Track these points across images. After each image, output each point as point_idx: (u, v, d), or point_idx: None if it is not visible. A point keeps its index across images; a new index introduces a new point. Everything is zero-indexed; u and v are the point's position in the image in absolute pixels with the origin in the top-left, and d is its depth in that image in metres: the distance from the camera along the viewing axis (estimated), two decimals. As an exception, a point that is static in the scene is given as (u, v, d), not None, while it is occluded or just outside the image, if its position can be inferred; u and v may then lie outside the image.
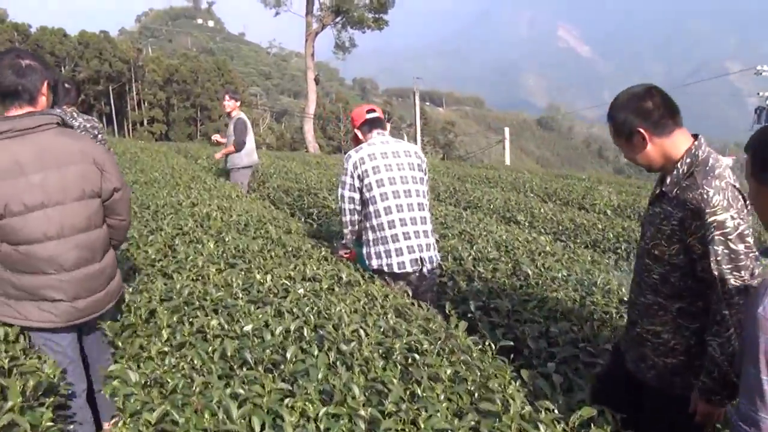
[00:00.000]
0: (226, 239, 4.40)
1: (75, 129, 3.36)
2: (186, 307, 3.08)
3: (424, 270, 3.98)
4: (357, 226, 4.14)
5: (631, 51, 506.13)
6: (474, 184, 11.08)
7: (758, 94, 24.82)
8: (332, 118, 69.08)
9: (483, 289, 4.07)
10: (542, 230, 6.64)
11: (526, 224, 6.88)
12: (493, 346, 2.69)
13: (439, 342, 2.70)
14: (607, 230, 6.36)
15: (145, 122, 65.59)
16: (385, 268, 3.99)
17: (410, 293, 3.88)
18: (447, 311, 3.78)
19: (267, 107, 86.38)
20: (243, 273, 3.64)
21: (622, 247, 5.85)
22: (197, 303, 3.14)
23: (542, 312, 3.70)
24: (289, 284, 3.45)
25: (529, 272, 4.26)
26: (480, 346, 2.77)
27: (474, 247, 4.85)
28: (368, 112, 4.27)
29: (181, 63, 70.19)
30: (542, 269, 4.39)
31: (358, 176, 4.00)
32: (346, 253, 4.44)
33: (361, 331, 2.72)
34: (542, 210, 7.36)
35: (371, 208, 4.00)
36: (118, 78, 64.35)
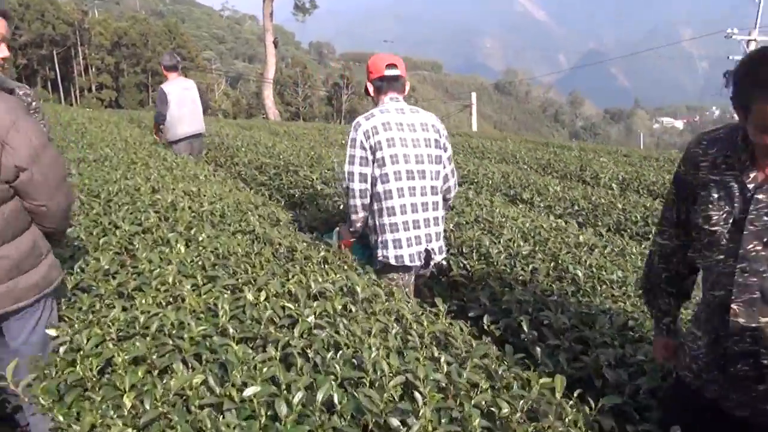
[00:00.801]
0: (200, 238, 3.48)
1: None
2: (155, 353, 2.18)
3: (431, 263, 3.53)
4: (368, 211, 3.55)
5: (585, 15, 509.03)
6: (463, 156, 10.24)
7: (728, 57, 24.52)
8: (290, 83, 67.20)
9: (527, 297, 3.27)
10: (556, 211, 5.86)
11: (540, 205, 6.08)
12: (561, 380, 1.92)
13: (521, 402, 1.89)
14: (630, 211, 5.62)
15: (93, 88, 62.63)
16: (393, 261, 3.48)
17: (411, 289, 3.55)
18: (486, 326, 3.03)
19: (221, 72, 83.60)
20: (229, 291, 2.75)
21: (653, 232, 5.10)
22: (170, 344, 2.24)
23: (611, 330, 2.92)
24: (292, 307, 2.57)
25: (579, 274, 3.47)
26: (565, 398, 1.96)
27: (501, 240, 4.03)
28: (388, 67, 3.55)
29: (130, 26, 66.87)
30: (592, 269, 3.60)
31: (370, 148, 3.40)
32: (352, 239, 3.78)
33: (416, 394, 1.88)
34: (549, 187, 6.57)
35: (381, 188, 3.44)
36: (62, 42, 61.02)
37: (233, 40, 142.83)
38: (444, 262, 3.83)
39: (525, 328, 2.93)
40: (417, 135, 3.49)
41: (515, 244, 3.98)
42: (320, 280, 2.97)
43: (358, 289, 2.89)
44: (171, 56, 7.70)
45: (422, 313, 2.89)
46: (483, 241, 3.96)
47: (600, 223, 5.47)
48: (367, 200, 3.47)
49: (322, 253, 3.45)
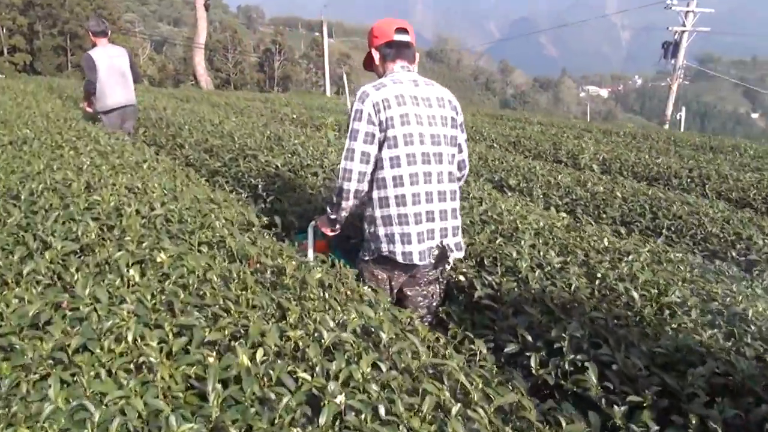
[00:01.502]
0: (159, 258, 2.66)
1: None
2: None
3: (449, 261, 3.05)
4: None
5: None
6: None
7: (668, 28, 24.58)
8: (219, 48, 64.63)
9: (578, 329, 2.62)
10: (552, 201, 5.26)
11: (532, 193, 5.46)
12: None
13: None
14: (630, 200, 5.08)
15: (5, 51, 58.27)
16: (399, 258, 2.94)
17: (392, 288, 3.10)
18: (534, 369, 2.46)
19: (145, 36, 79.58)
20: (215, 352, 1.97)
21: (663, 225, 4.57)
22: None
23: (701, 377, 2.32)
24: (307, 378, 1.83)
25: (635, 296, 2.85)
26: None
27: (522, 246, 3.37)
28: (398, 31, 3.04)
29: (44, -16, 62.31)
30: (647, 288, 2.98)
31: (380, 124, 2.85)
32: (331, 234, 3.30)
33: None
34: (534, 171, 5.97)
35: (388, 173, 2.89)
36: (-33, 0, 56.35)
37: (157, 1, 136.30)
38: (462, 277, 3.17)
39: (593, 377, 2.30)
40: (433, 111, 2.94)
41: (540, 252, 3.34)
42: (330, 322, 2.24)
43: (383, 335, 2.19)
44: (98, 21, 6.77)
45: (468, 362, 2.23)
46: (504, 249, 3.29)
47: (604, 215, 4.91)
48: (365, 186, 2.92)
49: (318, 275, 2.70)
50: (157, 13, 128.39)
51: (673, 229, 4.47)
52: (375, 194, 2.93)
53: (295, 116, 11.33)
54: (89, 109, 7.14)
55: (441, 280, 3.14)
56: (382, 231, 2.94)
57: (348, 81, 22.31)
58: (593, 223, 4.35)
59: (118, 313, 2.13)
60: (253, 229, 3.43)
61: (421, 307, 3.15)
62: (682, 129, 20.48)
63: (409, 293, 3.14)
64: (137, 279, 2.47)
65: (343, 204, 2.95)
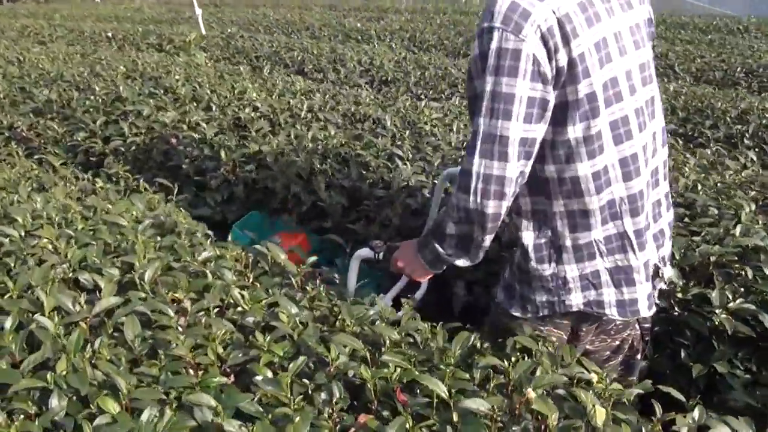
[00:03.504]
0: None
1: None
2: None
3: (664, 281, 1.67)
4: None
5: None
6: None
7: None
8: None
9: None
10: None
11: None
12: None
13: None
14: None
15: None
16: (612, 311, 1.54)
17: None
18: None
19: None
20: None
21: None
22: None
23: None
24: None
25: None
26: None
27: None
28: None
29: None
30: None
31: (557, 74, 1.34)
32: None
33: None
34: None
35: (584, 169, 1.43)
36: None
37: None
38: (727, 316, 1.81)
39: None
40: (634, 14, 1.47)
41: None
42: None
43: None
44: None
45: None
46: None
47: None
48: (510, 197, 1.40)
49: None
50: None
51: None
52: (554, 207, 1.45)
53: (110, 35, 8.87)
54: None
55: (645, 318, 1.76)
56: (572, 271, 1.50)
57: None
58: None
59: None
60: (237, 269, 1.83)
61: (610, 369, 1.75)
62: None
63: (589, 348, 1.73)
64: None
65: (483, 239, 1.43)
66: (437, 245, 1.51)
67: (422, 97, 4.90)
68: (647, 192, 1.51)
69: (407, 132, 3.05)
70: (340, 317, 1.54)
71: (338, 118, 3.38)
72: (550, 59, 1.30)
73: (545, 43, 1.29)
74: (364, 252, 1.90)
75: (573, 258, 1.48)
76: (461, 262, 1.51)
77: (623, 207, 1.45)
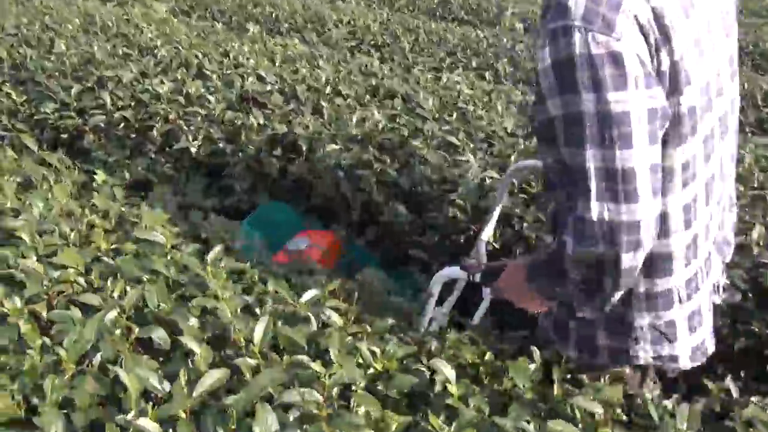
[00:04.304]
0: None
1: None
2: None
3: None
4: None
5: None
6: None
7: None
8: None
9: None
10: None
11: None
12: None
13: None
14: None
15: None
16: (685, 362, 1.25)
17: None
18: None
19: None
20: None
21: None
22: None
23: None
24: None
25: None
26: None
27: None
28: None
29: None
30: None
31: (658, 75, 0.99)
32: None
33: None
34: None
35: (676, 200, 1.10)
36: None
37: None
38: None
39: None
40: (720, 6, 1.15)
41: None
42: None
43: None
44: None
45: None
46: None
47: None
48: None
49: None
50: None
51: None
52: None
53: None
54: None
55: None
56: (642, 319, 1.22)
57: None
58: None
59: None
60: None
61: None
62: None
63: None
64: None
65: (613, 295, 1.10)
66: (553, 286, 1.18)
67: (420, 65, 4.48)
68: (711, 226, 1.23)
69: (454, 114, 2.64)
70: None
71: (364, 94, 2.91)
72: (651, 60, 0.97)
73: (646, 38, 0.96)
74: (454, 272, 1.56)
75: (644, 308, 1.20)
76: (584, 313, 1.17)
77: (698, 247, 1.17)
